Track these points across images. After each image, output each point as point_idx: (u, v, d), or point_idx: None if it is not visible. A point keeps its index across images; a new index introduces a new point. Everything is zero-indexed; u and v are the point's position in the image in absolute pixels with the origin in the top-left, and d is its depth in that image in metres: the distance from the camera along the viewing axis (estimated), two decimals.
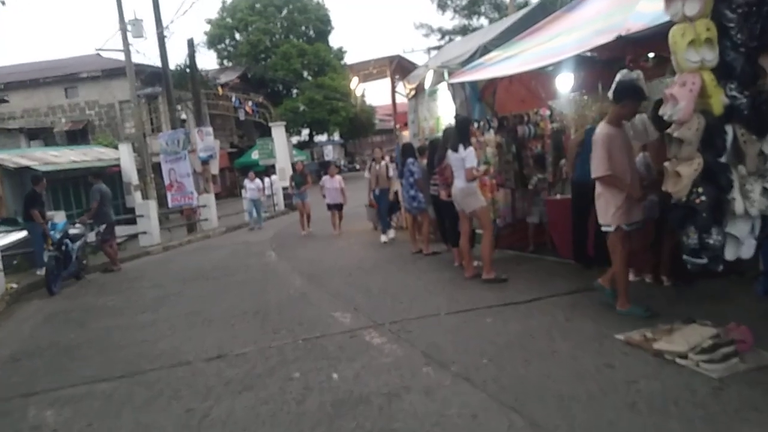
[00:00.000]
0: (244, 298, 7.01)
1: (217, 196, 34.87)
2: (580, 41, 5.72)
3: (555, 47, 6.44)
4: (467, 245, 6.93)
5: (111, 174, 27.63)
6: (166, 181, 18.68)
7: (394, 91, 12.42)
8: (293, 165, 16.83)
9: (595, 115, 7.11)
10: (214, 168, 19.52)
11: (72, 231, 10.22)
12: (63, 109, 31.88)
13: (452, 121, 8.47)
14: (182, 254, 12.69)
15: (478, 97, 8.38)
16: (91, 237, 10.99)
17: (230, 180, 39.33)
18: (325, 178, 12.83)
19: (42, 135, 31.08)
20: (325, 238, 12.25)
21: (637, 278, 5.84)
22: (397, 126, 12.97)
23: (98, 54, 32.01)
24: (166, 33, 18.28)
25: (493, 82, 8.20)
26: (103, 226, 10.88)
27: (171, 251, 13.89)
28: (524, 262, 7.55)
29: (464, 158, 6.41)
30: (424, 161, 9.24)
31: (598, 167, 4.85)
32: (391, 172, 10.91)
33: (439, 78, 9.68)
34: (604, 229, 5.00)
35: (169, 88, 17.96)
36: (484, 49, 8.41)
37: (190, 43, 18.24)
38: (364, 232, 12.37)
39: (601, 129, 4.92)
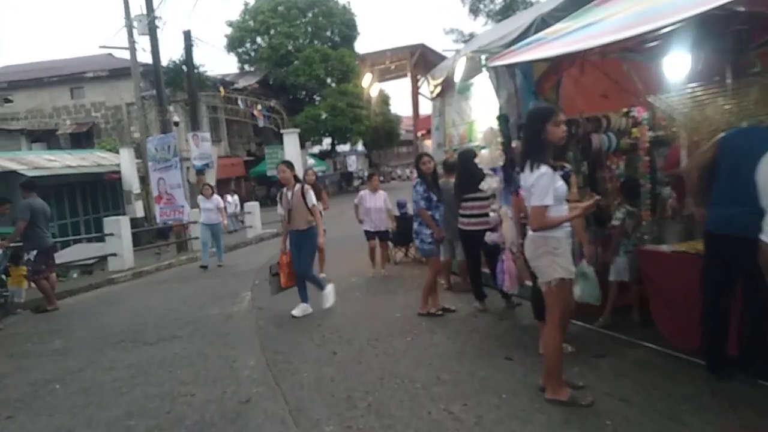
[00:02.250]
0: (156, 399, 4.39)
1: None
2: None
3: (663, 4, 3.80)
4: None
5: (110, 181, 25.63)
6: (155, 192, 16.38)
7: (415, 90, 9.83)
8: (303, 175, 10.76)
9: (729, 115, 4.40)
10: (211, 178, 17.08)
11: None
12: (68, 111, 30.03)
13: (494, 124, 5.79)
14: (144, 288, 10.17)
15: (533, 90, 5.70)
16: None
17: (245, 190, 37.20)
18: (364, 194, 9.22)
19: (45, 137, 29.24)
20: (355, 287, 8.31)
21: None
22: (419, 134, 10.36)
23: (110, 54, 30.25)
24: (158, 23, 15.99)
25: (555, 70, 5.51)
26: (34, 253, 8.43)
27: (139, 280, 11.40)
28: (596, 345, 4.82)
29: (531, 186, 3.60)
30: (452, 180, 6.58)
31: None
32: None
33: (474, 69, 7.05)
34: None
35: (159, 84, 15.61)
36: (542, 22, 5.75)
37: (187, 36, 15.91)
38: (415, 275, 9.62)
39: None
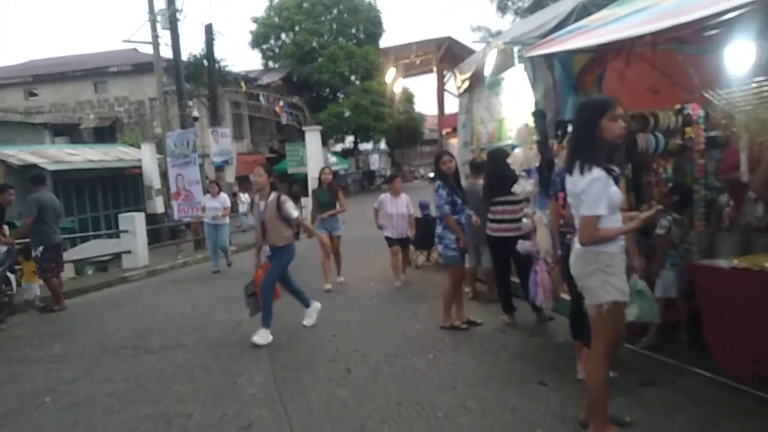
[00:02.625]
0: (149, 421, 3.97)
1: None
2: None
3: None
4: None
5: (132, 176, 25.52)
6: (173, 189, 16.06)
7: (441, 86, 9.32)
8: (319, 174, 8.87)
9: None
10: (230, 175, 16.77)
11: None
12: (91, 105, 30.05)
13: (529, 121, 5.28)
14: (156, 288, 9.82)
15: (573, 85, 5.16)
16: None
17: None
18: (385, 198, 8.39)
19: (68, 131, 29.28)
20: (374, 294, 7.84)
21: None
22: (444, 132, 9.84)
23: (134, 49, 30.16)
24: (179, 17, 15.69)
25: (599, 61, 4.97)
26: (41, 249, 8.11)
27: (152, 279, 11.07)
28: (642, 370, 4.28)
29: (581, 193, 3.03)
30: (479, 181, 6.08)
31: None
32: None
33: (505, 62, 6.53)
34: None
35: (179, 78, 15.31)
36: (584, 9, 5.22)
37: (208, 29, 15.59)
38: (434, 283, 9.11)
39: None
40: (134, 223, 12.10)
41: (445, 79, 9.93)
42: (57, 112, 30.20)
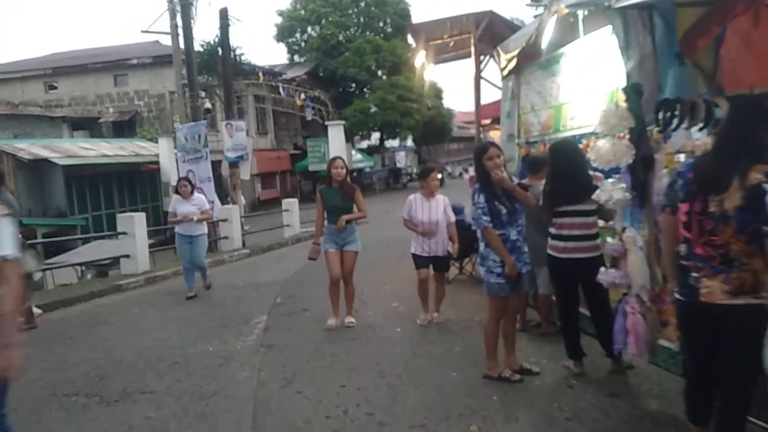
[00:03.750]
0: None
1: (275, 201, 31.66)
2: None
3: None
4: None
5: (148, 171, 24.57)
6: None
7: (478, 70, 7.92)
8: (328, 167, 6.45)
9: None
10: (245, 173, 15.53)
11: None
12: (111, 98, 29.21)
13: (620, 98, 3.84)
14: (148, 301, 8.57)
15: (677, 53, 3.71)
16: None
17: (291, 184, 35.91)
18: (415, 200, 6.10)
19: (87, 125, 28.53)
20: (398, 319, 6.35)
21: None
22: (483, 123, 8.42)
23: (156, 41, 29.33)
24: (194, 2, 14.48)
25: (718, 18, 3.52)
26: None
27: (150, 288, 9.85)
28: None
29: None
30: (540, 184, 4.65)
31: None
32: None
33: (566, 33, 5.13)
34: None
35: (190, 65, 14.11)
36: None
37: (223, 14, 14.36)
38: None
39: None
40: (133, 223, 10.89)
41: (483, 63, 8.48)
42: (77, 106, 29.46)
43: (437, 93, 42.82)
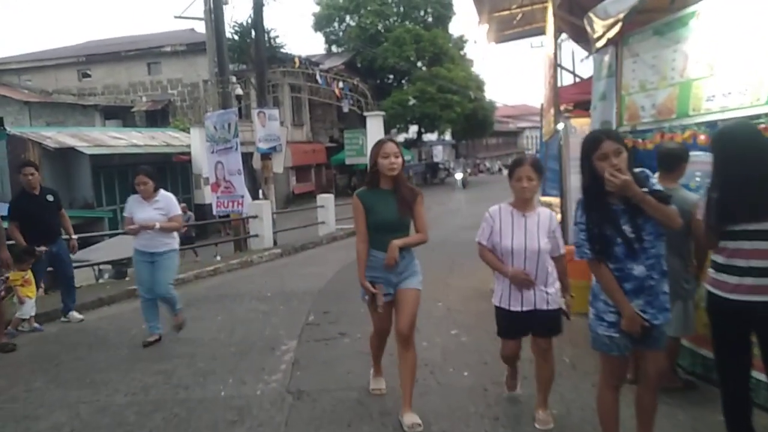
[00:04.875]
0: None
1: (309, 195, 30.61)
2: None
3: None
4: None
5: (180, 162, 23.65)
6: (211, 179, 13.86)
7: (556, 46, 6.52)
8: (374, 157, 3.71)
9: None
10: (278, 165, 14.34)
11: None
12: (144, 87, 28.52)
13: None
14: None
15: None
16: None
17: (326, 178, 34.82)
18: (499, 214, 3.60)
19: (120, 114, 27.88)
20: (461, 353, 5.02)
21: None
22: (562, 108, 6.99)
23: (192, 29, 28.61)
24: None
25: None
26: None
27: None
28: None
29: None
30: (678, 189, 3.22)
31: None
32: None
33: None
34: None
35: (221, 47, 12.96)
36: None
37: None
38: None
39: None
40: None
41: (558, 40, 7.03)
42: (110, 94, 28.85)
43: (479, 84, 41.16)
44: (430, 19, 40.46)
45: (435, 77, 36.53)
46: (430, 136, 49.01)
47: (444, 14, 41.04)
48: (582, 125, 6.50)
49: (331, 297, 7.59)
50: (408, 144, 42.31)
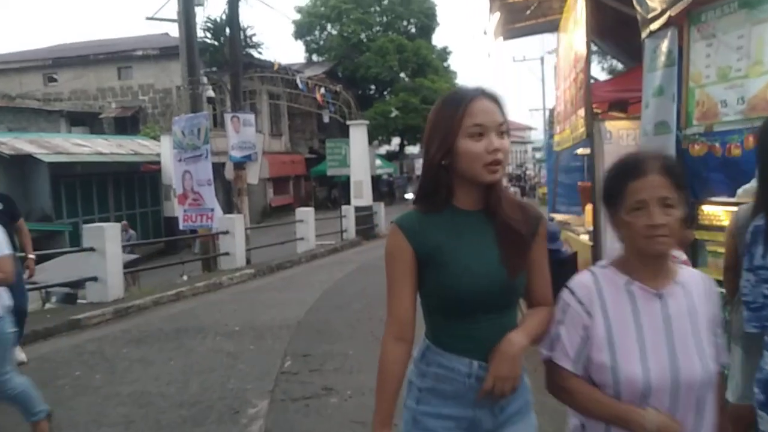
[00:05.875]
0: None
1: (287, 208, 29.25)
2: None
3: None
4: None
5: (148, 172, 22.20)
6: (178, 190, 12.47)
7: (589, 32, 5.44)
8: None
9: None
10: (253, 176, 13.06)
11: None
12: (114, 92, 27.04)
13: None
14: (104, 352, 6.04)
15: None
16: None
17: (305, 190, 33.53)
18: (601, 292, 1.58)
19: (87, 120, 26.33)
20: None
21: None
22: (598, 108, 5.88)
23: (166, 33, 27.28)
24: None
25: None
26: None
27: (116, 327, 7.32)
28: None
29: None
30: None
31: None
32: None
33: None
34: None
35: (191, 45, 11.70)
36: None
37: None
38: None
39: None
40: (103, 236, 8.40)
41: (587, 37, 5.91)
42: (77, 100, 27.27)
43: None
44: (413, 30, 39.74)
45: (418, 88, 35.74)
46: (412, 149, 48.09)
47: (428, 25, 40.33)
48: (619, 129, 5.39)
49: (312, 333, 6.32)
50: (390, 156, 41.29)
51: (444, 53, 41.97)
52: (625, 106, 6.08)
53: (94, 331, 7.11)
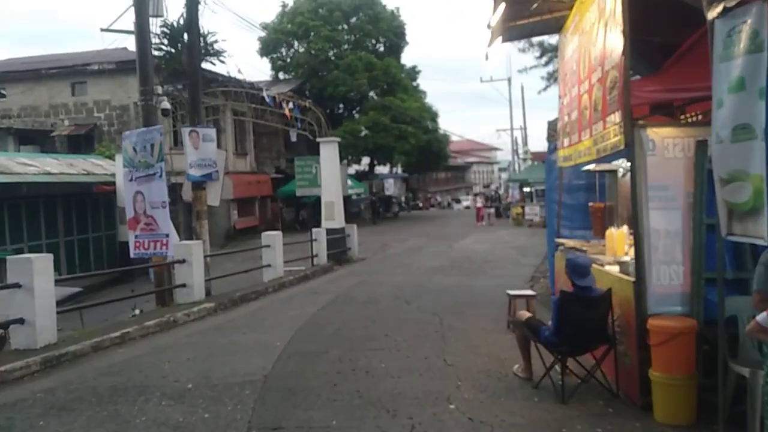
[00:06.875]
0: None
1: (252, 230, 27.85)
2: None
3: None
4: None
5: (102, 193, 20.63)
6: (129, 213, 11.08)
7: (625, 24, 4.44)
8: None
9: None
10: (213, 197, 11.74)
11: None
12: (67, 109, 25.43)
13: None
14: (23, 420, 4.71)
15: None
16: None
17: (272, 212, 32.14)
18: None
19: (38, 139, 24.64)
20: None
21: None
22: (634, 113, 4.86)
23: (124, 48, 25.76)
24: None
25: None
26: None
27: (46, 380, 5.97)
28: None
29: None
30: None
31: None
32: None
33: None
34: None
35: (144, 52, 10.45)
36: None
37: None
38: None
39: None
40: (31, 270, 7.02)
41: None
42: (27, 117, 25.56)
43: (433, 116, 39.68)
44: (381, 49, 39.03)
45: (388, 107, 34.95)
46: (382, 169, 47.15)
47: (397, 43, 39.70)
48: (664, 138, 4.37)
49: (282, 393, 5.07)
50: (360, 176, 40.27)
51: (413, 72, 41.40)
52: (670, 109, 5.11)
53: (13, 389, 5.75)
